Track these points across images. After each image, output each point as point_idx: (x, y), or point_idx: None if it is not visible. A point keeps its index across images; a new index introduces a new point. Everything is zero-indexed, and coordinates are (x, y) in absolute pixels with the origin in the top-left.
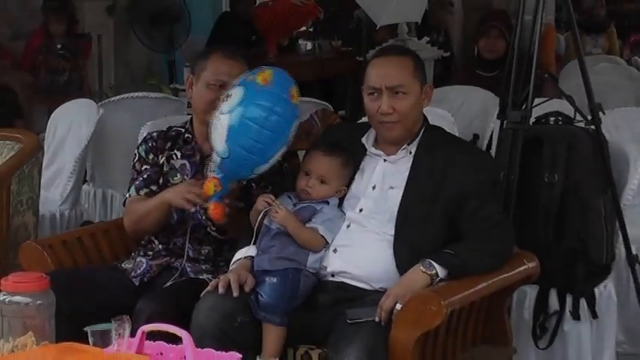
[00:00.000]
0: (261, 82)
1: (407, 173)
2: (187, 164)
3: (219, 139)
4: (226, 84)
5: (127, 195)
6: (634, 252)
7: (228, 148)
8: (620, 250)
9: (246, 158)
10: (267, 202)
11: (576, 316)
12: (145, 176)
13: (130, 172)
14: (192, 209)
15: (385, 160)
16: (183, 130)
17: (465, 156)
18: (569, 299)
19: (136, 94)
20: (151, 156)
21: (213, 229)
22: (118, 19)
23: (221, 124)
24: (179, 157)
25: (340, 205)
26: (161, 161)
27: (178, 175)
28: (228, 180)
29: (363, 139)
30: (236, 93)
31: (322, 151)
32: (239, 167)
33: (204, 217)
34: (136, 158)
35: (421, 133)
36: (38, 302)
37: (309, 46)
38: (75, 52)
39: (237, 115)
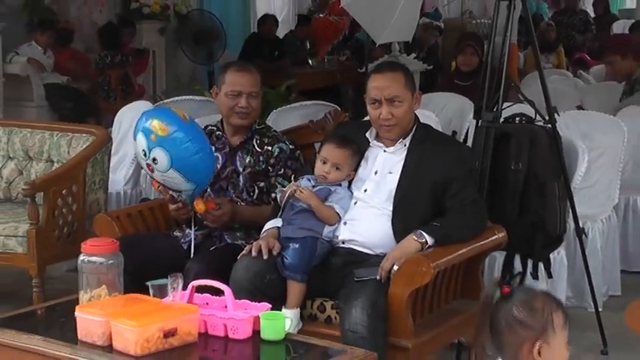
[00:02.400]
0: (163, 134)
1: (402, 162)
2: (219, 155)
3: (182, 184)
4: (241, 92)
5: None
6: (581, 226)
7: (194, 182)
8: (571, 224)
9: (208, 176)
10: (293, 189)
11: (535, 276)
12: None
13: None
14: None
15: (385, 151)
16: (215, 128)
17: (449, 148)
18: (530, 263)
19: (184, 97)
20: None
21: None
22: (168, 38)
23: (172, 177)
24: (213, 150)
25: (349, 186)
26: None
27: None
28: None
29: (367, 134)
30: (159, 154)
31: (336, 143)
32: (205, 184)
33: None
34: None
35: (414, 130)
36: (110, 262)
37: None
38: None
39: (179, 163)
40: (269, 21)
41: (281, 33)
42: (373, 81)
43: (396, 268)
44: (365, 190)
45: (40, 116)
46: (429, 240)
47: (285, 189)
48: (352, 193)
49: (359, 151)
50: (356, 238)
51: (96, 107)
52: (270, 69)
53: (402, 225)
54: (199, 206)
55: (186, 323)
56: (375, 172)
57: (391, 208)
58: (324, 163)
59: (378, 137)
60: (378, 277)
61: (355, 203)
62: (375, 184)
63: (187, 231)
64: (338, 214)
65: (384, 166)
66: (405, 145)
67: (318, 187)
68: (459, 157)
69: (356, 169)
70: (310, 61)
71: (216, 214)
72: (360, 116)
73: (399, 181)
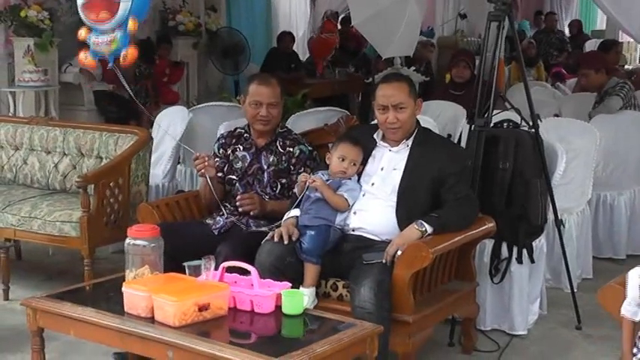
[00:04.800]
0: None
1: (405, 159)
2: (246, 155)
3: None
4: (261, 103)
5: None
6: (559, 217)
7: None
8: (550, 216)
9: None
10: (306, 179)
11: (520, 261)
12: None
13: None
14: (204, 172)
15: (390, 150)
16: (243, 130)
17: (445, 148)
18: (515, 249)
19: (214, 103)
20: (221, 150)
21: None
22: (200, 52)
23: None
24: (241, 149)
25: (358, 180)
26: (228, 152)
27: (240, 162)
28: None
29: (375, 135)
30: None
31: (351, 142)
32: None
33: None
34: (212, 153)
35: (415, 132)
36: (152, 245)
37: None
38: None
39: None
40: (287, 38)
41: (299, 48)
42: (381, 90)
43: (399, 252)
44: (372, 184)
45: (89, 119)
46: (429, 229)
47: (300, 179)
48: (361, 186)
49: (364, 148)
50: (364, 226)
51: (136, 111)
52: (288, 79)
53: (404, 215)
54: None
55: (218, 299)
56: (382, 169)
57: (395, 200)
58: (343, 160)
59: (384, 138)
60: (383, 261)
61: (364, 195)
62: (381, 179)
63: (217, 218)
64: (347, 200)
65: (389, 164)
66: (408, 146)
67: (330, 180)
68: (453, 156)
69: (364, 167)
70: (322, 73)
71: (249, 202)
72: (366, 120)
73: (402, 176)
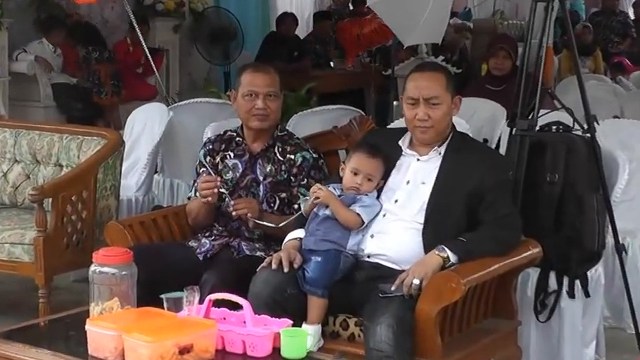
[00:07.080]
0: None
1: (436, 171)
2: (238, 163)
3: None
4: (257, 93)
5: (189, 195)
6: (621, 241)
7: None
8: (609, 240)
9: None
10: (314, 192)
11: (572, 295)
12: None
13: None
14: (211, 199)
15: (418, 160)
16: (235, 134)
17: (485, 157)
18: (565, 280)
19: (200, 99)
20: (208, 158)
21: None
22: (183, 36)
23: None
24: (232, 157)
25: (378, 196)
26: (217, 161)
27: (230, 172)
28: None
29: (400, 142)
30: None
31: (367, 153)
32: None
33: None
34: (197, 162)
35: (449, 138)
36: (123, 273)
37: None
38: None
39: None
40: (288, 20)
41: (302, 32)
42: (413, 80)
43: (416, 281)
44: (396, 201)
45: (47, 117)
46: (452, 257)
47: (308, 197)
48: (380, 204)
49: (387, 159)
50: (383, 252)
51: (103, 108)
52: (290, 70)
53: (433, 239)
54: None
55: (203, 339)
56: (407, 182)
57: (422, 221)
58: (356, 174)
59: (411, 145)
60: (405, 295)
61: (384, 216)
62: (406, 195)
63: (203, 240)
64: (360, 216)
65: (416, 176)
66: (440, 154)
67: (342, 195)
68: (493, 166)
69: (386, 179)
70: (332, 63)
71: (245, 206)
72: (384, 121)
73: (432, 191)
